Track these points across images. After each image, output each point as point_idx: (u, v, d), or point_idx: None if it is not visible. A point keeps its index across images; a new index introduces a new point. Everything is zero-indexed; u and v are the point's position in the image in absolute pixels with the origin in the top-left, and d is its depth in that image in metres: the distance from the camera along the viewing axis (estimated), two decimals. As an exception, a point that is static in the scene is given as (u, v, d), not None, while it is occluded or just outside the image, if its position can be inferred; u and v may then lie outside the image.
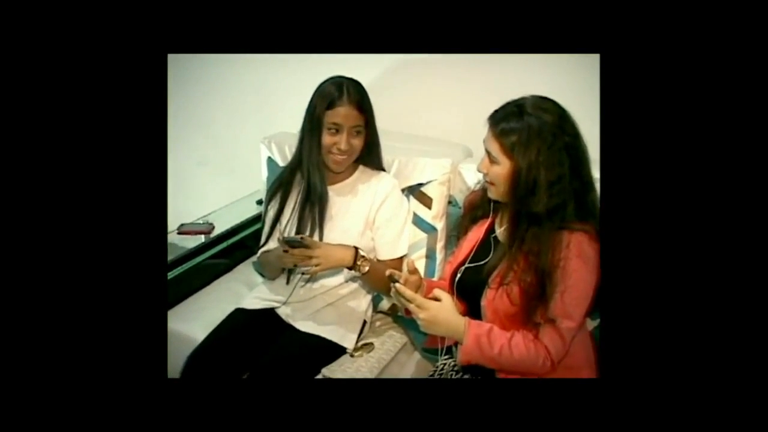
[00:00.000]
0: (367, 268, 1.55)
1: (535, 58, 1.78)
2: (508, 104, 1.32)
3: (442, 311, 1.29)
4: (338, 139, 1.60)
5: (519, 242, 1.30)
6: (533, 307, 1.27)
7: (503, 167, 1.30)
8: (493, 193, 1.37)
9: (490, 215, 1.44)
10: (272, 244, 1.74)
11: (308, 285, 1.70)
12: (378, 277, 1.59)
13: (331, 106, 1.58)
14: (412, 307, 1.29)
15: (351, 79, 1.63)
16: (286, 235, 1.67)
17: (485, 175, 1.35)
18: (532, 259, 1.27)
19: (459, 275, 1.42)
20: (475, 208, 1.48)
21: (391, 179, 1.74)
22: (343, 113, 1.58)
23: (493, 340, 1.28)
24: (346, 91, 1.59)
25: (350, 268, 1.56)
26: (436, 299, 1.31)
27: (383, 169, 1.76)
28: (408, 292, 1.29)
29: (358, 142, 1.63)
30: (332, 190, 1.70)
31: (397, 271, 1.34)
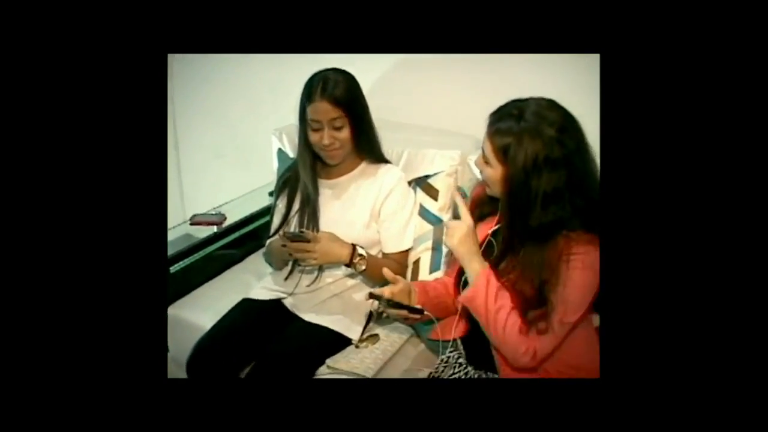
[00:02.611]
0: (363, 267, 1.56)
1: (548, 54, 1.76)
2: (510, 104, 1.28)
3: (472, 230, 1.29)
4: (319, 135, 1.59)
5: (511, 254, 1.28)
6: (529, 314, 1.24)
7: (495, 170, 1.27)
8: (489, 192, 1.34)
9: (498, 212, 1.42)
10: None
11: (313, 276, 1.71)
12: (377, 274, 1.58)
13: (310, 101, 1.58)
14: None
15: (335, 71, 1.61)
16: (292, 228, 1.68)
17: (480, 172, 1.32)
18: (527, 273, 1.24)
19: (464, 276, 1.40)
20: (482, 204, 1.45)
21: (397, 171, 1.73)
22: (319, 108, 1.57)
23: (500, 296, 1.25)
24: (321, 85, 1.57)
25: (347, 266, 1.56)
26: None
27: (386, 161, 1.75)
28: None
29: (343, 135, 1.61)
30: (337, 183, 1.71)
31: (378, 292, 1.33)
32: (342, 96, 1.58)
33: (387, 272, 1.38)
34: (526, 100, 1.27)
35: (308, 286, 1.71)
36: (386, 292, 1.34)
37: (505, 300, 1.26)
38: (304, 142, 1.66)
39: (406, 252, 1.71)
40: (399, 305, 1.33)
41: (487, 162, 1.28)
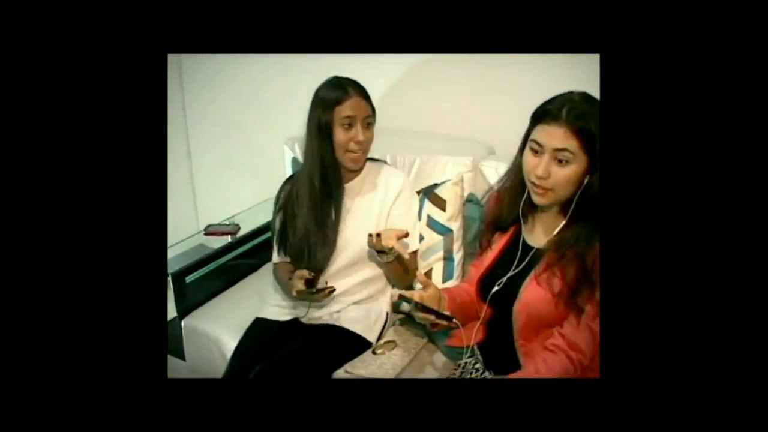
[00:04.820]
0: (390, 259, 1.54)
1: (560, 57, 1.76)
2: (557, 98, 1.28)
3: None
4: (354, 132, 1.59)
5: (573, 241, 1.29)
6: (573, 303, 1.27)
7: (578, 164, 1.25)
8: (547, 199, 1.31)
9: (519, 223, 1.42)
10: (282, 254, 1.77)
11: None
12: (398, 270, 1.61)
13: (339, 101, 1.58)
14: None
15: (349, 78, 1.64)
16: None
17: (543, 180, 1.28)
18: (576, 258, 1.26)
19: (497, 287, 1.40)
20: (502, 217, 1.45)
21: (401, 173, 1.74)
22: (355, 104, 1.58)
23: (546, 360, 1.29)
24: (351, 85, 1.59)
25: (377, 251, 1.54)
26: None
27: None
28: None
29: (371, 135, 1.63)
30: (346, 188, 1.70)
31: (408, 295, 1.33)
32: (368, 97, 1.61)
33: (420, 275, 1.38)
34: (570, 94, 1.28)
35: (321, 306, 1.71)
36: (416, 295, 1.34)
37: (545, 358, 1.29)
38: (330, 149, 1.61)
39: (414, 254, 1.72)
40: (428, 309, 1.33)
41: (564, 162, 1.26)
